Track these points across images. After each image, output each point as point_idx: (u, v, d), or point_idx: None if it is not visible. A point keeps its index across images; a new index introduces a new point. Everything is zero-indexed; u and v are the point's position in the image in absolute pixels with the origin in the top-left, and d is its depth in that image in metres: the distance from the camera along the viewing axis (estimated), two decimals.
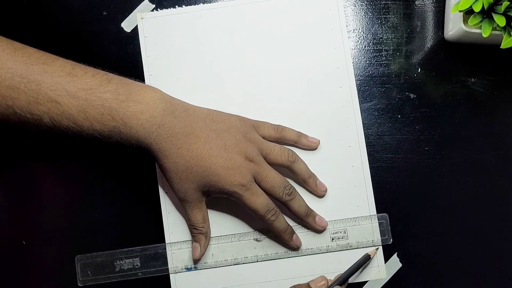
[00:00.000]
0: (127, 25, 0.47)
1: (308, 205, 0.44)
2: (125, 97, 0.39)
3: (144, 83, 0.46)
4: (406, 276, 0.44)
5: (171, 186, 0.41)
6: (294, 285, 0.40)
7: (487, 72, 0.46)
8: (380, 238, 0.44)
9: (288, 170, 0.43)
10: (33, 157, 0.46)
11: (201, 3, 0.48)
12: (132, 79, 0.41)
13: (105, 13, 0.48)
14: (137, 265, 0.44)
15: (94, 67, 0.40)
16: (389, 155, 0.46)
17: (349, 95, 0.46)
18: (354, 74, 0.46)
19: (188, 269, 0.44)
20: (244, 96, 0.46)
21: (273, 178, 0.41)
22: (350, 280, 0.44)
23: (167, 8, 0.47)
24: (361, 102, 0.46)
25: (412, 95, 0.46)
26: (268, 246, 0.44)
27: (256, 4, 0.47)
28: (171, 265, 0.44)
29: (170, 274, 0.44)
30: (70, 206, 0.46)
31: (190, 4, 0.48)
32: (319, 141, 0.45)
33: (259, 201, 0.41)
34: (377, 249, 0.44)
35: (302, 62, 0.47)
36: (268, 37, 0.47)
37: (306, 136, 0.45)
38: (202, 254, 0.43)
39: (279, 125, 0.45)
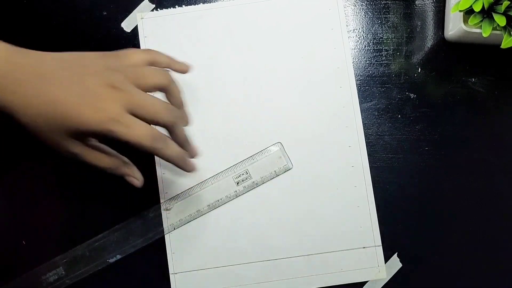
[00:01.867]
0: (127, 25, 0.47)
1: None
2: None
3: None
4: (406, 276, 0.44)
5: (44, 143, 0.36)
6: None
7: (487, 72, 0.46)
8: (281, 167, 0.44)
9: (166, 94, 0.38)
10: (33, 157, 0.46)
11: (201, 3, 0.48)
12: None
13: (105, 13, 0.48)
14: (62, 273, 0.43)
15: None
16: (389, 155, 0.46)
17: (349, 95, 0.46)
18: (354, 74, 0.46)
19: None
20: (244, 96, 0.46)
21: (152, 103, 0.35)
22: (349, 281, 0.44)
23: (167, 8, 0.47)
24: (361, 102, 0.46)
25: (412, 95, 0.46)
26: (181, 211, 0.44)
27: (256, 4, 0.47)
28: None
29: (171, 275, 0.44)
30: (70, 204, 0.46)
31: (190, 4, 0.48)
32: (190, 65, 0.41)
33: (138, 132, 0.34)
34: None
35: (302, 62, 0.47)
36: (268, 37, 0.47)
37: (177, 60, 0.41)
38: (141, 176, 0.40)
39: (148, 49, 0.39)
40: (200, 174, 0.45)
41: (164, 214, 0.44)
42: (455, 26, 0.44)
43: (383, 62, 0.47)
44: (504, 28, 0.40)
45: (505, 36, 0.40)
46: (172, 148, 0.37)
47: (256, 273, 0.44)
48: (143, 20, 0.47)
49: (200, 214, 0.44)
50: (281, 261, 0.45)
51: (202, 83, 0.47)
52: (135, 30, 0.47)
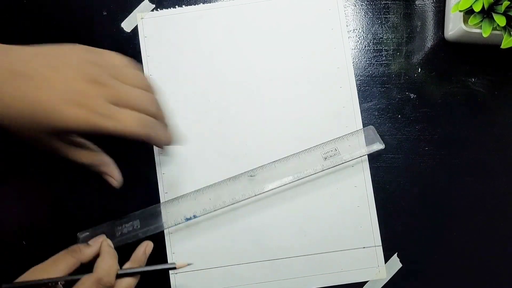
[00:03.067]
0: (127, 25, 0.47)
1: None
2: None
3: None
4: (406, 276, 0.44)
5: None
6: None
7: (487, 72, 0.46)
8: (372, 147, 0.45)
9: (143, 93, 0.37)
10: (33, 157, 0.46)
11: (201, 3, 0.48)
12: None
13: (105, 13, 0.48)
14: (137, 226, 0.44)
15: None
16: (389, 155, 0.46)
17: (349, 95, 0.46)
18: (354, 74, 0.46)
19: (188, 219, 0.44)
20: (244, 96, 0.46)
21: (137, 95, 0.34)
22: (349, 281, 0.44)
23: (167, 8, 0.47)
24: (361, 102, 0.46)
25: (412, 95, 0.46)
26: (263, 181, 0.44)
27: (256, 4, 0.47)
28: (170, 218, 0.44)
29: (171, 275, 0.44)
30: (70, 204, 0.46)
31: (190, 4, 0.48)
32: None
33: (128, 122, 0.33)
34: (188, 264, 0.43)
35: (302, 62, 0.47)
36: (268, 37, 0.47)
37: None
38: (120, 177, 0.40)
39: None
40: (201, 173, 0.45)
41: (248, 180, 0.43)
42: (455, 26, 0.44)
43: (383, 62, 0.47)
44: (504, 28, 0.40)
45: (505, 36, 0.40)
46: (166, 133, 0.36)
47: (256, 273, 0.44)
48: (143, 20, 0.47)
49: (283, 183, 0.44)
50: (281, 261, 0.45)
51: (201, 83, 0.47)
52: (135, 30, 0.47)
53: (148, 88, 0.36)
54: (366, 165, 0.45)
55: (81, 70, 0.33)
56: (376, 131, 0.45)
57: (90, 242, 0.41)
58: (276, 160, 0.45)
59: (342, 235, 0.45)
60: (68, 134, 0.36)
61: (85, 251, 0.39)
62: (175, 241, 0.45)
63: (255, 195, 0.44)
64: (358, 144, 0.45)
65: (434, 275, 0.45)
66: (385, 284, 0.44)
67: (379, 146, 0.45)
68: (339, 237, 0.45)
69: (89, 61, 0.34)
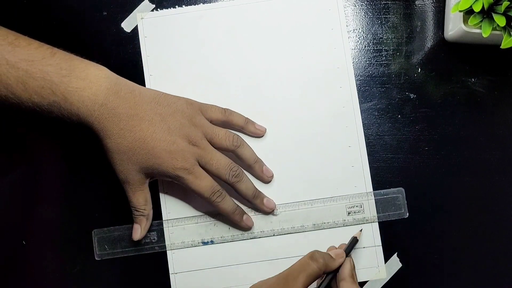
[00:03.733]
0: (127, 25, 0.47)
1: (304, 202, 0.44)
2: (67, 72, 0.38)
3: (144, 83, 0.46)
4: (406, 276, 0.44)
5: (113, 167, 0.41)
6: (313, 251, 0.39)
7: (487, 72, 0.46)
8: (395, 212, 0.45)
9: (234, 154, 0.43)
10: (33, 157, 0.46)
11: (201, 3, 0.48)
12: (79, 56, 0.40)
13: (105, 13, 0.48)
14: (154, 239, 0.45)
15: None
16: (389, 155, 0.46)
17: (349, 95, 0.46)
18: (354, 74, 0.46)
19: (205, 243, 0.44)
20: (244, 96, 0.46)
21: (218, 160, 0.41)
22: None
23: (167, 8, 0.47)
24: (361, 102, 0.46)
25: (412, 95, 0.46)
26: (285, 221, 0.45)
27: (256, 4, 0.47)
28: (186, 239, 0.45)
29: (171, 275, 0.45)
30: (70, 205, 0.46)
31: (190, 4, 0.48)
32: (266, 129, 0.45)
33: (203, 184, 0.41)
34: (361, 230, 0.44)
35: (302, 62, 0.47)
36: (268, 37, 0.47)
37: (253, 123, 0.45)
38: (143, 236, 0.44)
39: (227, 108, 0.45)
40: None
41: (270, 217, 0.45)
42: (455, 26, 0.44)
43: (383, 62, 0.47)
44: (504, 28, 0.40)
45: (505, 36, 0.40)
46: (228, 204, 0.42)
47: (256, 273, 0.44)
48: (143, 20, 0.47)
49: (303, 229, 0.45)
50: (281, 261, 0.45)
51: (202, 83, 0.47)
52: (135, 30, 0.47)
53: (233, 151, 0.43)
54: (366, 165, 0.45)
55: (183, 128, 0.41)
56: (404, 196, 0.45)
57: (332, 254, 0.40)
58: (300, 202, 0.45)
59: (343, 233, 0.45)
60: (151, 175, 0.42)
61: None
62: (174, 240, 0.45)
63: (274, 235, 0.45)
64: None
65: (434, 275, 0.45)
66: (385, 284, 0.44)
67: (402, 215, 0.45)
68: (339, 236, 0.45)
69: (191, 120, 0.41)
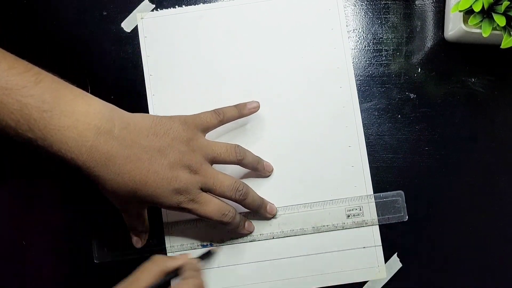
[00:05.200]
0: (127, 25, 0.47)
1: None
2: (50, 107, 0.32)
3: (144, 83, 0.46)
4: (406, 276, 0.44)
5: (112, 202, 0.39)
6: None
7: (487, 72, 0.46)
8: (395, 215, 0.45)
9: (239, 165, 0.43)
10: (33, 158, 0.46)
11: (201, 3, 0.48)
12: (75, 86, 0.36)
13: (105, 13, 0.48)
14: (154, 242, 0.45)
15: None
16: (389, 155, 0.46)
17: (349, 95, 0.46)
18: (354, 74, 0.46)
19: (204, 246, 0.45)
20: (244, 96, 0.46)
21: (221, 183, 0.40)
22: (349, 281, 0.44)
23: (167, 8, 0.47)
24: (361, 102, 0.46)
25: (412, 95, 0.46)
26: (284, 224, 0.45)
27: (256, 4, 0.47)
28: (186, 242, 0.45)
29: None
30: (70, 205, 0.46)
31: (190, 4, 0.48)
32: (259, 103, 0.44)
33: (210, 209, 0.39)
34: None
35: (302, 62, 0.47)
36: (268, 37, 0.47)
37: (245, 105, 0.44)
38: (144, 244, 0.44)
39: (216, 109, 0.42)
40: None
41: (269, 221, 0.45)
42: (455, 26, 0.44)
43: (383, 62, 0.47)
44: (504, 28, 0.40)
45: (505, 36, 0.40)
46: (236, 220, 0.42)
47: (256, 273, 0.44)
48: (143, 20, 0.47)
49: (302, 232, 0.45)
50: (281, 261, 0.45)
51: (202, 83, 0.47)
52: (135, 30, 0.47)
53: (236, 162, 0.41)
54: (366, 165, 0.45)
55: (183, 158, 0.38)
56: (404, 199, 0.45)
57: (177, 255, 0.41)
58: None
59: (342, 235, 0.45)
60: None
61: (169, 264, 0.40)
62: (174, 240, 0.45)
63: (273, 238, 0.45)
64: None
65: (434, 275, 0.45)
66: (385, 284, 0.44)
67: (401, 218, 0.45)
68: (339, 237, 0.45)
69: (189, 144, 0.39)
